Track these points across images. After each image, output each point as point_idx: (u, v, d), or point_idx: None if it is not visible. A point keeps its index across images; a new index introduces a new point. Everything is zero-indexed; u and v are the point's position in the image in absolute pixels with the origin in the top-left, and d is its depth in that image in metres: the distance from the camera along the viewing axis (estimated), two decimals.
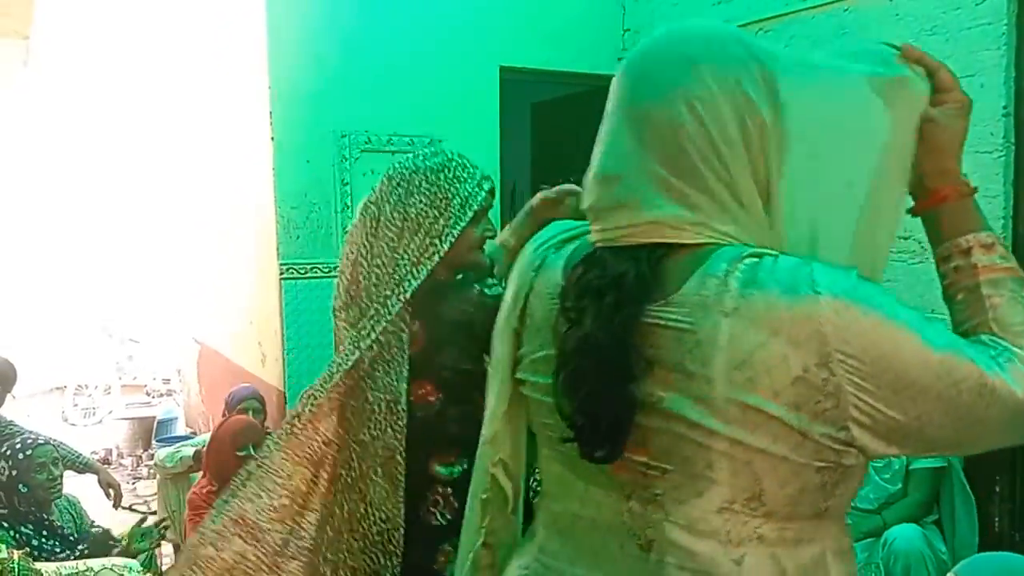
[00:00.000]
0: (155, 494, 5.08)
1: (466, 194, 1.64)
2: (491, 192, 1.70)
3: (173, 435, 5.43)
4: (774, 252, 0.89)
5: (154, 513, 4.77)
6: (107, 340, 7.63)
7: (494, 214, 4.46)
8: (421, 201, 1.63)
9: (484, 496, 1.13)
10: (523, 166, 5.52)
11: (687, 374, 0.88)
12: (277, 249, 3.88)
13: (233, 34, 4.31)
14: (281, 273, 3.89)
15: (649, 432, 0.91)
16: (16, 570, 2.09)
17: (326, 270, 3.95)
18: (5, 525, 2.80)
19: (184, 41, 5.21)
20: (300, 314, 3.90)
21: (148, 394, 7.36)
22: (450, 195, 1.63)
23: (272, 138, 3.83)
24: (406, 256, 1.63)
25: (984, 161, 3.15)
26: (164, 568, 3.54)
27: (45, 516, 2.90)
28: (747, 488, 0.88)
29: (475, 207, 1.64)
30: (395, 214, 1.65)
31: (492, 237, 1.72)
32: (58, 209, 8.13)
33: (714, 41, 0.94)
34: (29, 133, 7.87)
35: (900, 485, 3.11)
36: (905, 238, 3.43)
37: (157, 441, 5.57)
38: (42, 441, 3.02)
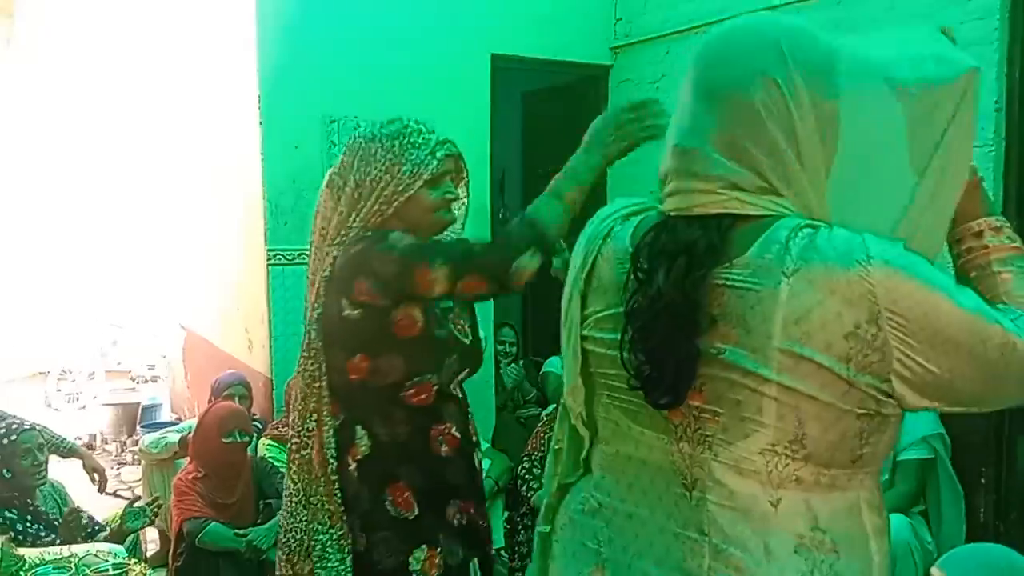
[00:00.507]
0: (140, 480, 5.04)
1: (418, 160, 1.66)
2: (449, 158, 1.73)
3: (158, 421, 5.39)
4: (828, 224, 1.00)
5: (139, 499, 4.75)
6: (91, 325, 7.57)
7: (482, 201, 4.48)
8: (376, 168, 1.67)
9: (557, 447, 1.26)
10: (514, 155, 5.50)
11: (747, 328, 0.99)
12: (265, 235, 3.85)
13: (221, 16, 4.26)
14: (268, 259, 3.86)
15: (706, 380, 1.02)
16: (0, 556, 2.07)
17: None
18: None
19: (172, 22, 5.14)
20: (287, 300, 3.87)
21: (133, 380, 7.32)
22: (403, 161, 1.66)
23: (260, 123, 3.80)
24: (359, 220, 1.67)
25: (975, 156, 3.13)
26: (149, 554, 3.53)
27: (29, 501, 2.87)
28: (791, 431, 0.99)
29: (427, 174, 1.66)
30: (353, 182, 1.69)
31: (453, 199, 1.76)
32: (42, 192, 8.05)
33: (797, 31, 1.06)
34: (12, 113, 7.77)
35: (887, 476, 3.12)
36: None
37: (142, 427, 5.53)
38: (27, 426, 2.99)
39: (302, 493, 1.71)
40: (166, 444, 3.74)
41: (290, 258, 3.89)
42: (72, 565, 2.36)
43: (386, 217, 1.67)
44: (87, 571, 2.33)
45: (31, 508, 2.86)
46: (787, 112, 1.01)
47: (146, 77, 5.73)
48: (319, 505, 1.68)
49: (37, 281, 8.07)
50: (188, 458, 3.21)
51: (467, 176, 1.94)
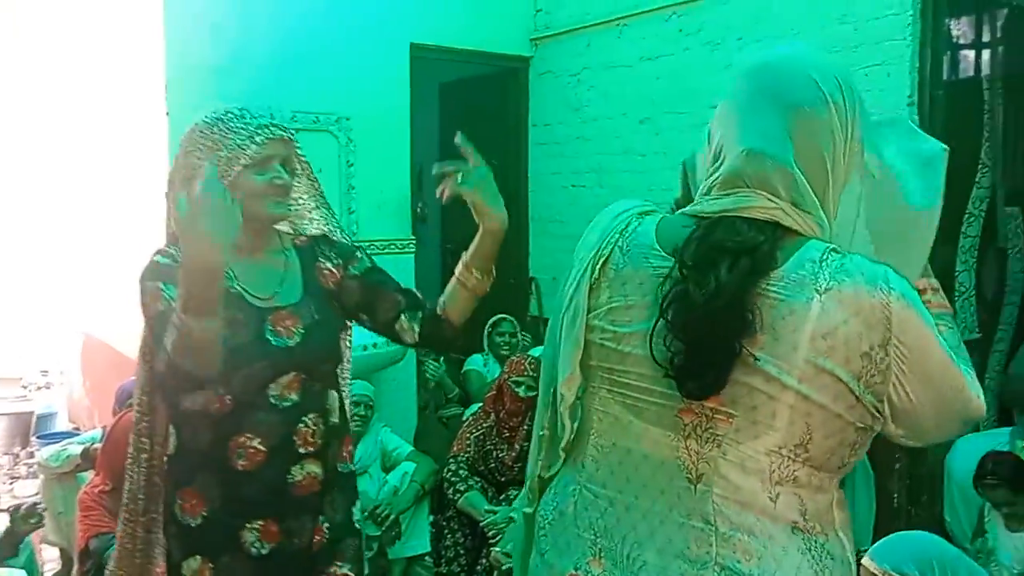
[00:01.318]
0: (36, 495, 4.73)
1: (235, 145, 1.60)
2: (274, 142, 1.64)
3: (55, 431, 5.07)
4: (846, 251, 1.10)
5: (24, 504, 4.45)
6: None
7: (404, 194, 4.37)
8: (196, 156, 1.62)
9: (542, 433, 1.29)
10: (431, 148, 5.39)
11: (776, 336, 1.05)
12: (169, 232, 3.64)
13: (129, 4, 4.01)
14: None
15: (728, 382, 1.07)
16: None
17: None
18: None
19: (74, 7, 4.82)
20: None
21: (24, 387, 6.87)
22: (220, 148, 1.60)
23: (167, 113, 3.59)
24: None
25: None
26: (49, 575, 3.30)
27: None
28: (798, 436, 1.07)
29: (246, 158, 1.60)
30: (179, 173, 1.65)
31: (284, 186, 1.66)
32: None
33: (846, 69, 1.18)
34: None
35: None
36: None
37: (37, 438, 5.19)
38: None
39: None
40: (68, 457, 3.50)
41: None
42: None
43: None
44: None
45: None
46: (838, 139, 1.11)
47: (46, 63, 5.36)
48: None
49: None
50: (96, 471, 3.00)
51: (307, 165, 1.81)
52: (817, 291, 1.05)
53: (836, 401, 1.06)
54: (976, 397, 1.11)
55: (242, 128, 1.61)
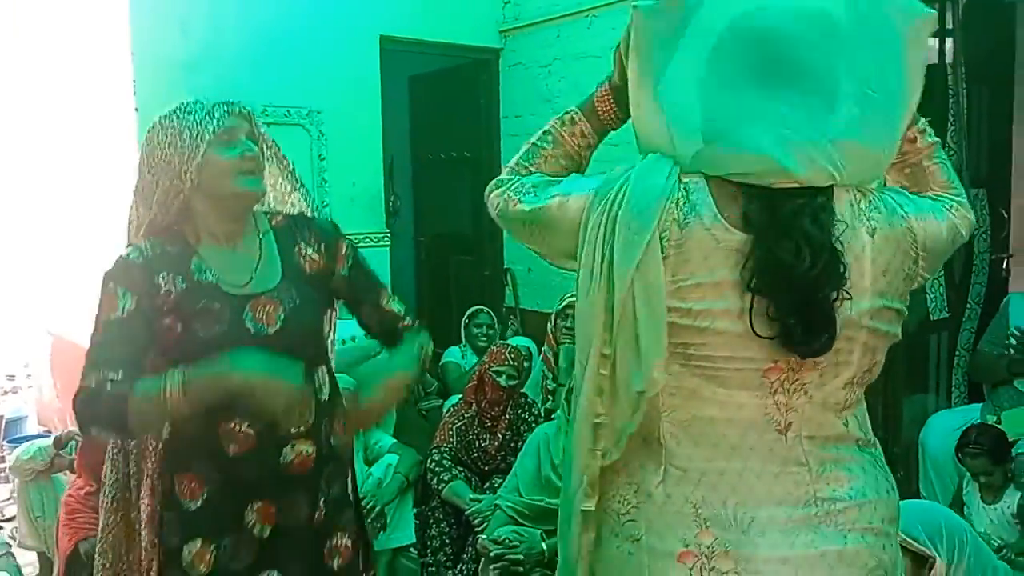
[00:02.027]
0: (9, 499, 4.66)
1: (195, 123, 1.57)
2: (233, 116, 1.62)
3: (24, 435, 4.98)
4: (866, 188, 1.18)
5: (9, 520, 4.38)
6: None
7: (378, 187, 4.35)
8: (159, 146, 1.59)
9: (598, 420, 1.21)
10: (401, 141, 5.39)
11: (851, 283, 1.12)
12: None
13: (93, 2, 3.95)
14: None
15: None
16: None
17: None
18: None
19: (40, 5, 4.72)
20: None
21: None
22: (181, 130, 1.58)
23: (136, 110, 3.54)
24: (156, 203, 1.61)
25: None
26: None
27: None
28: (867, 364, 1.18)
29: (208, 133, 1.56)
30: (145, 168, 1.61)
31: (253, 159, 1.62)
32: None
33: None
34: None
35: None
36: None
37: (7, 442, 5.10)
38: None
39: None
40: (40, 449, 3.41)
41: None
42: None
43: (186, 194, 1.58)
44: None
45: None
46: None
47: (10, 58, 5.25)
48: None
49: None
50: (77, 472, 2.96)
51: (275, 145, 1.80)
52: (869, 234, 1.13)
53: (892, 325, 1.19)
54: (967, 213, 1.28)
55: (199, 108, 1.60)
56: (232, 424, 1.61)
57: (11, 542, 4.01)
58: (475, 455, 3.40)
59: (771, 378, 1.14)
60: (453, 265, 5.42)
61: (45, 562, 3.39)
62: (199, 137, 1.56)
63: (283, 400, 1.47)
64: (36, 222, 5.20)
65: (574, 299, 4.14)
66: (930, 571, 1.93)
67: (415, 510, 3.40)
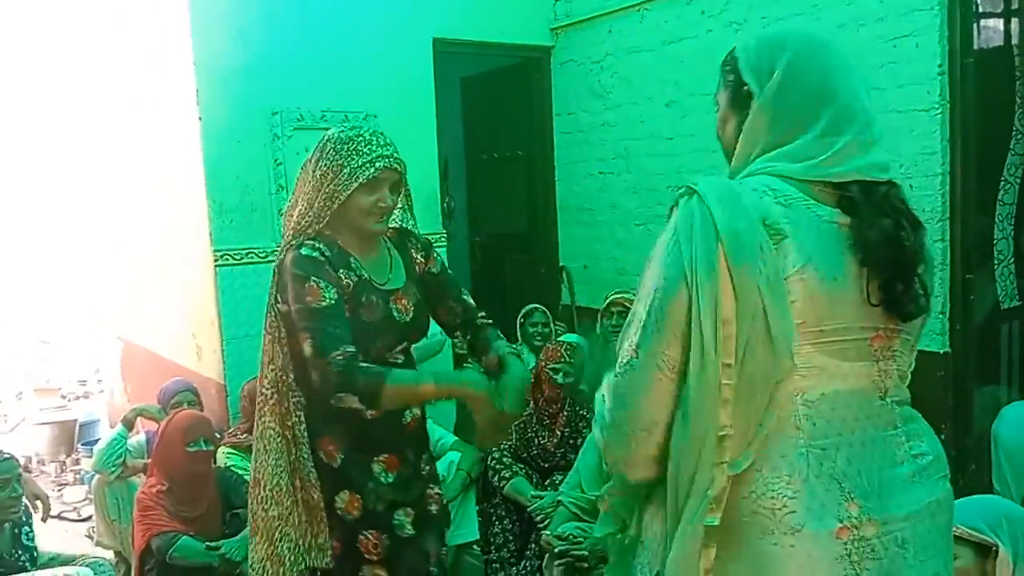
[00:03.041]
0: (83, 500, 4.81)
1: (356, 166, 1.87)
2: (389, 170, 1.92)
3: (98, 438, 5.14)
4: None
5: (86, 519, 4.52)
6: (16, 342, 7.19)
7: (432, 189, 4.39)
8: (324, 166, 1.90)
9: (723, 433, 1.19)
10: (455, 141, 5.42)
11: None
12: (210, 235, 3.69)
13: (155, 7, 4.06)
14: (216, 260, 3.70)
15: None
16: None
17: (263, 255, 3.78)
18: None
19: (104, 15, 4.87)
20: (237, 302, 3.73)
21: (64, 397, 6.97)
22: (344, 163, 1.88)
23: (200, 117, 3.63)
24: (310, 213, 1.92)
25: (921, 119, 3.22)
26: None
27: None
28: (918, 335, 1.34)
29: (362, 179, 1.87)
30: (309, 173, 1.93)
31: (386, 208, 1.94)
32: None
33: None
34: None
35: None
36: None
37: (82, 445, 5.28)
38: (7, 455, 2.77)
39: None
40: (116, 440, 3.46)
41: (238, 258, 3.74)
42: None
43: (332, 213, 1.91)
44: None
45: None
46: None
47: (78, 70, 5.42)
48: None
49: None
50: (149, 471, 3.04)
51: (408, 191, 2.13)
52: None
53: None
54: None
55: (366, 152, 1.89)
56: None
57: (89, 539, 4.16)
58: (535, 452, 3.41)
59: (875, 346, 1.25)
60: (508, 264, 5.43)
61: (122, 560, 3.49)
62: (353, 178, 1.88)
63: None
64: (105, 230, 5.36)
65: (619, 296, 4.08)
66: (995, 561, 1.90)
67: (478, 507, 3.43)
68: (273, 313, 1.96)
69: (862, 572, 1.19)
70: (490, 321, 2.18)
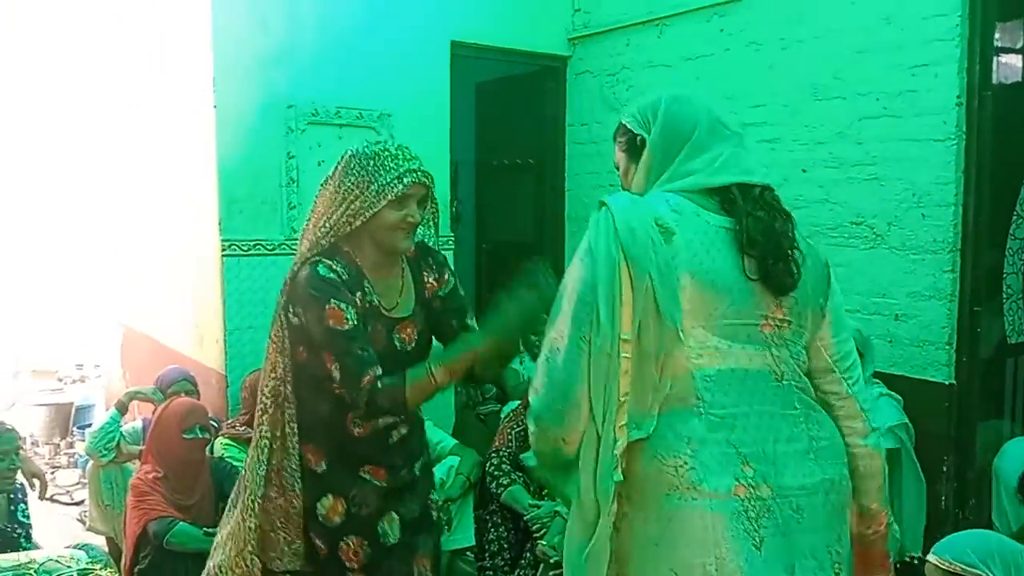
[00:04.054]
0: (76, 484, 4.81)
1: (384, 182, 1.86)
2: (417, 185, 1.92)
3: (92, 422, 5.12)
4: None
5: (78, 503, 4.51)
6: (13, 322, 7.18)
7: (443, 193, 4.38)
8: (350, 181, 1.89)
9: (623, 399, 1.40)
10: (466, 147, 5.42)
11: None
12: (218, 224, 3.69)
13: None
14: (223, 249, 3.69)
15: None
16: None
17: (270, 247, 3.77)
18: None
19: (124, 4, 4.88)
20: (242, 293, 3.71)
21: (60, 380, 6.96)
22: (372, 179, 1.87)
23: (214, 106, 3.63)
24: (327, 226, 1.91)
25: (937, 149, 3.22)
26: None
27: None
28: (811, 333, 1.53)
29: (390, 196, 1.86)
30: (332, 187, 1.92)
31: (414, 223, 1.94)
32: None
33: None
34: None
35: None
36: (858, 224, 3.49)
37: (77, 428, 5.27)
38: (9, 427, 2.77)
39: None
40: (111, 424, 3.44)
41: (245, 248, 3.72)
42: (32, 572, 2.20)
43: (353, 228, 1.90)
44: None
45: None
46: None
47: (95, 57, 5.42)
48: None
49: None
50: (143, 458, 3.04)
51: (436, 204, 2.11)
52: None
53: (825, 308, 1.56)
54: None
55: (394, 168, 1.88)
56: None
57: (81, 523, 4.15)
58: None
59: (765, 332, 1.45)
60: (515, 272, 5.41)
61: (113, 548, 3.47)
62: (382, 195, 1.87)
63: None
64: (113, 216, 5.35)
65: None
66: None
67: (474, 513, 3.41)
68: (280, 323, 1.96)
69: (760, 528, 1.35)
70: None
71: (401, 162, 1.89)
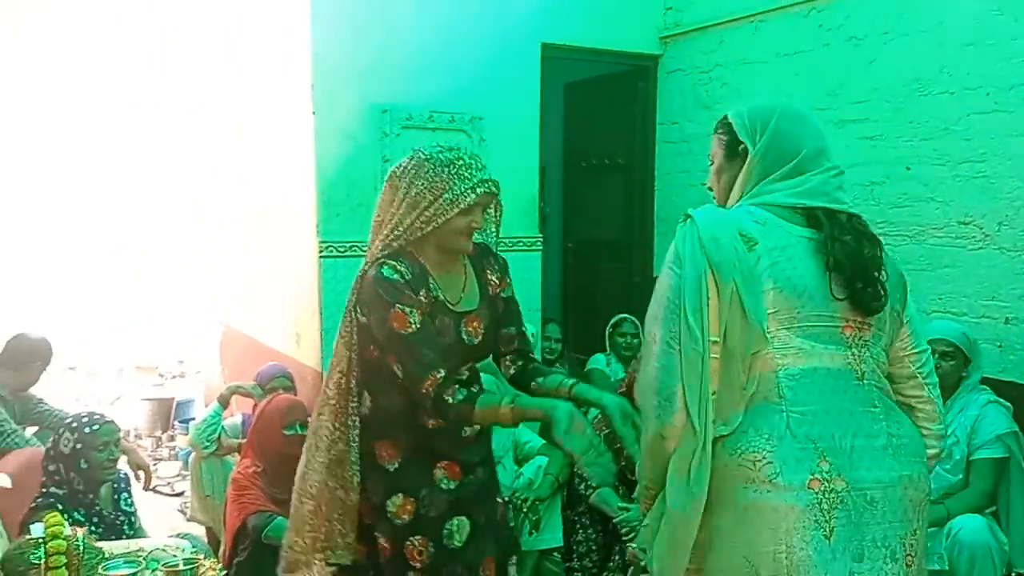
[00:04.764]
0: (176, 476, 5.00)
1: (459, 191, 1.90)
2: (487, 195, 1.96)
3: (192, 417, 5.33)
4: None
5: (179, 495, 4.69)
6: (119, 319, 7.51)
7: (531, 194, 4.39)
8: (423, 186, 1.91)
9: (714, 396, 1.49)
10: (554, 146, 5.43)
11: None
12: (316, 227, 3.78)
13: (276, 5, 4.19)
14: (320, 251, 3.79)
15: None
16: (81, 548, 2.00)
17: (365, 249, 3.82)
18: (60, 507, 2.68)
19: (226, 11, 5.06)
20: (339, 294, 3.80)
21: (161, 376, 7.25)
22: (446, 188, 1.90)
23: (313, 112, 3.73)
24: (399, 230, 1.94)
25: None
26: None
27: (94, 499, 2.81)
28: (889, 337, 1.60)
29: (463, 204, 1.90)
30: (402, 190, 1.95)
31: (478, 229, 1.99)
32: (77, 183, 7.96)
33: None
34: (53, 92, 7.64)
35: (961, 476, 3.03)
36: (965, 223, 3.35)
37: (179, 423, 5.48)
38: (109, 419, 2.92)
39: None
40: (212, 419, 3.58)
41: (342, 250, 3.82)
42: (141, 559, 2.30)
43: (425, 233, 1.94)
44: (157, 565, 2.27)
45: (96, 507, 2.79)
46: None
47: (199, 63, 5.65)
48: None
49: (69, 276, 8.01)
50: (244, 452, 3.14)
51: (500, 211, 2.12)
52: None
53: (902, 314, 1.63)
54: None
55: (468, 178, 1.92)
56: None
57: (181, 514, 4.31)
58: (622, 464, 3.36)
59: (847, 334, 1.52)
60: (601, 272, 5.40)
61: (212, 537, 3.60)
62: (455, 204, 1.91)
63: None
64: (212, 218, 5.55)
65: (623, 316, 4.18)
66: None
67: (563, 514, 3.40)
68: (350, 320, 2.01)
69: (832, 519, 1.42)
70: (537, 361, 2.26)
71: (474, 172, 1.93)
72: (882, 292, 1.52)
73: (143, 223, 7.59)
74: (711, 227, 1.49)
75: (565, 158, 5.69)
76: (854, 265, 1.50)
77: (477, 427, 2.07)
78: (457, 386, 1.89)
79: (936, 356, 3.05)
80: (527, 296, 4.44)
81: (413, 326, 1.89)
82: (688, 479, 1.47)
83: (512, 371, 2.18)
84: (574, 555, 3.30)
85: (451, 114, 4.03)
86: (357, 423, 2.04)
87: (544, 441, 3.60)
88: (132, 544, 2.44)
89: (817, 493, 1.43)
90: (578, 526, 3.30)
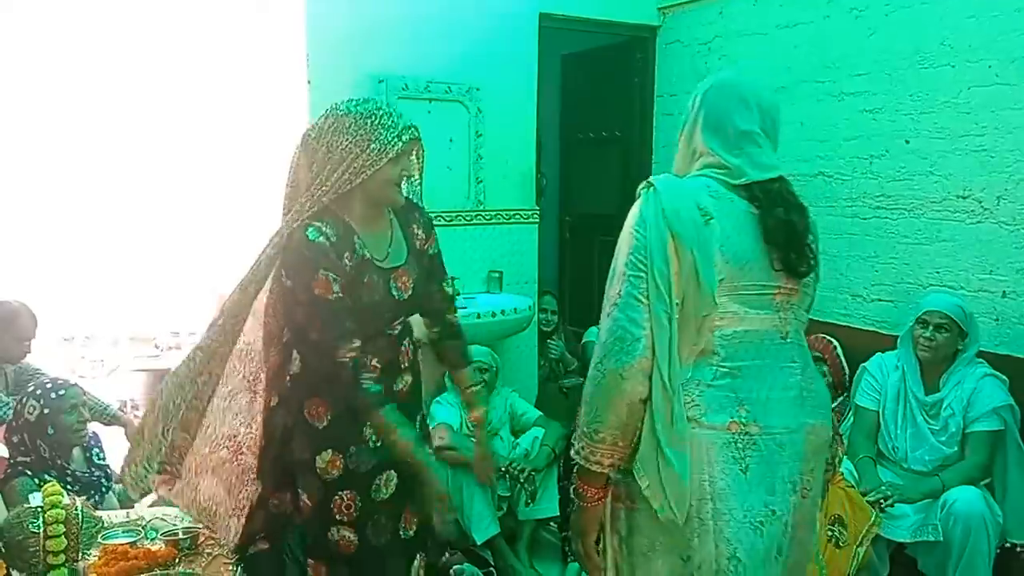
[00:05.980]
0: None
1: (386, 140, 1.89)
2: (412, 141, 1.97)
3: None
4: None
5: None
6: (114, 289, 7.47)
7: (527, 166, 4.36)
8: (349, 140, 1.89)
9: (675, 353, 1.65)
10: (551, 119, 5.40)
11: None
12: None
13: None
14: None
15: None
16: (80, 517, 2.01)
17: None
18: (28, 473, 2.70)
19: None
20: None
21: (157, 347, 7.23)
22: (372, 138, 1.88)
23: (308, 81, 3.69)
24: (327, 185, 1.90)
25: None
26: None
27: (65, 463, 2.80)
28: (811, 298, 1.78)
29: (392, 152, 1.90)
30: (325, 147, 1.91)
31: (408, 177, 2.03)
32: (70, 152, 7.90)
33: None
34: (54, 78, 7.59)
35: (956, 448, 3.06)
36: (964, 197, 3.34)
37: None
38: (72, 383, 2.92)
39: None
40: None
41: None
42: (140, 528, 2.31)
43: (352, 187, 1.91)
44: (155, 534, 2.28)
45: (68, 471, 2.80)
46: None
47: (188, 33, 5.57)
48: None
49: (64, 246, 7.97)
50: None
51: (423, 160, 2.12)
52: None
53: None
54: None
55: (392, 126, 1.91)
56: (365, 359, 1.96)
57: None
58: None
59: (777, 300, 1.68)
60: (597, 245, 5.39)
61: None
62: (384, 152, 1.90)
63: None
64: (203, 185, 5.51)
65: None
66: None
67: (559, 484, 3.43)
68: (277, 284, 2.01)
69: (747, 457, 1.62)
70: (459, 322, 2.29)
71: (396, 119, 1.93)
72: (810, 256, 1.70)
73: (133, 191, 7.53)
74: (673, 199, 1.62)
75: (562, 130, 5.66)
76: (788, 238, 1.66)
77: (408, 380, 2.12)
78: (376, 375, 1.95)
79: (932, 328, 3.09)
80: (524, 269, 4.44)
81: (335, 294, 1.88)
82: (672, 419, 1.61)
83: (433, 335, 2.25)
84: (569, 525, 3.32)
85: (448, 84, 3.99)
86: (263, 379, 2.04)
87: (540, 413, 3.62)
88: (131, 513, 2.45)
89: (735, 435, 1.62)
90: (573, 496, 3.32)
